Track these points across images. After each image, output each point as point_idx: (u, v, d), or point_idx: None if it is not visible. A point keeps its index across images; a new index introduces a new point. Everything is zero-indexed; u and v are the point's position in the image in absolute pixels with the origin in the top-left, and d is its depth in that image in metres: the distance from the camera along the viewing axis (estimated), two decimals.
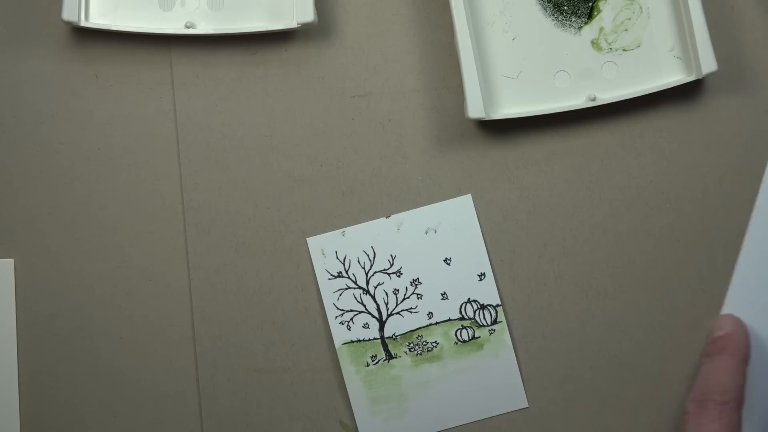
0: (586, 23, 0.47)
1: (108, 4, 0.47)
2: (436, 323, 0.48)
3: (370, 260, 0.48)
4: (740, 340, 0.45)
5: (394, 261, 0.48)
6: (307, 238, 0.47)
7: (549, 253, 0.47)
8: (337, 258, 0.47)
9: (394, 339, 0.48)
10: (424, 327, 0.48)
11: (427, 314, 0.48)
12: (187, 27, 0.47)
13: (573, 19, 0.47)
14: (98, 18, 0.47)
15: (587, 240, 0.47)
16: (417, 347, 0.48)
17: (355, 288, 0.48)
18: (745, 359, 0.44)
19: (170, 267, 0.45)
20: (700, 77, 0.45)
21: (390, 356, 0.48)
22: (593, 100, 0.46)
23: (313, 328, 0.48)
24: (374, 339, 0.48)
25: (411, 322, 0.48)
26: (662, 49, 0.47)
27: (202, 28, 0.47)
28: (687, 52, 0.46)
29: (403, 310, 0.48)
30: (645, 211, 0.47)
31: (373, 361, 0.48)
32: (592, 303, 0.47)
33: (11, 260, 0.47)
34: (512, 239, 0.47)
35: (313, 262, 0.48)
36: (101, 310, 0.47)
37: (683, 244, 0.47)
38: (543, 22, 0.47)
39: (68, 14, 0.45)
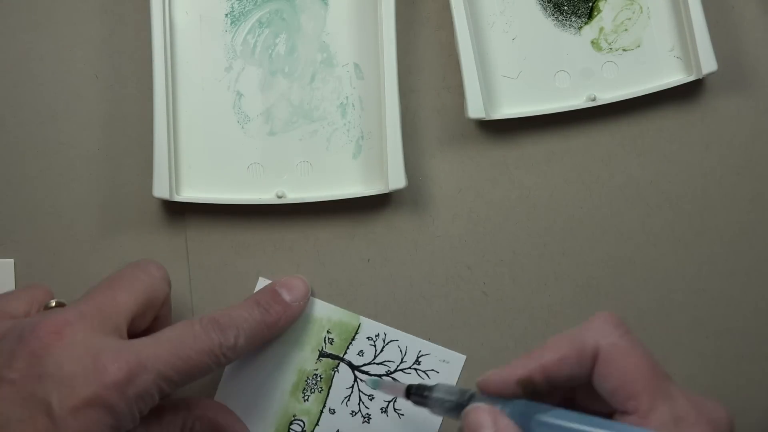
0: (586, 23, 0.47)
1: None
2: None
3: None
4: None
5: None
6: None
7: (549, 253, 0.47)
8: None
9: None
10: None
11: None
12: None
13: (573, 19, 0.47)
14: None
15: (587, 240, 0.47)
16: None
17: None
18: None
19: (170, 267, 0.44)
20: (700, 77, 0.45)
21: None
22: (593, 100, 0.46)
23: None
24: None
25: None
26: (662, 49, 0.47)
27: None
28: (687, 52, 0.46)
29: None
30: (645, 211, 0.47)
31: None
32: (592, 303, 0.47)
33: (11, 260, 0.46)
34: (512, 239, 0.47)
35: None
36: None
37: (683, 244, 0.47)
38: (543, 22, 0.47)
39: None
